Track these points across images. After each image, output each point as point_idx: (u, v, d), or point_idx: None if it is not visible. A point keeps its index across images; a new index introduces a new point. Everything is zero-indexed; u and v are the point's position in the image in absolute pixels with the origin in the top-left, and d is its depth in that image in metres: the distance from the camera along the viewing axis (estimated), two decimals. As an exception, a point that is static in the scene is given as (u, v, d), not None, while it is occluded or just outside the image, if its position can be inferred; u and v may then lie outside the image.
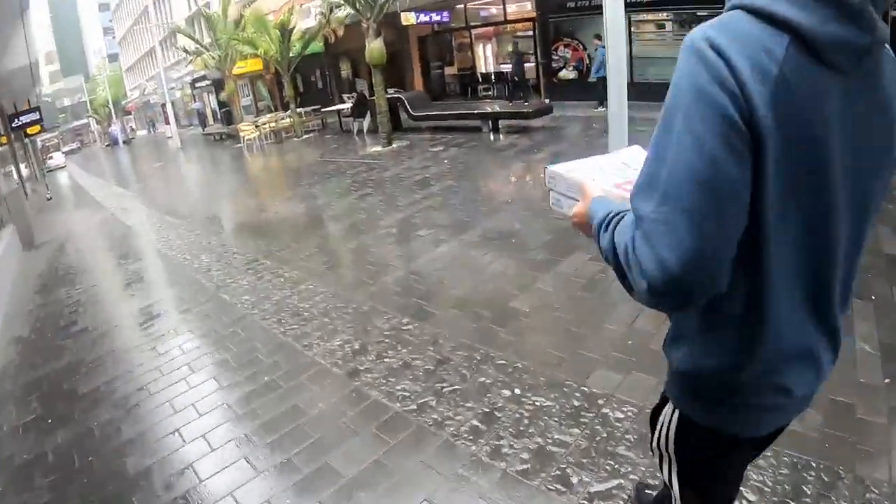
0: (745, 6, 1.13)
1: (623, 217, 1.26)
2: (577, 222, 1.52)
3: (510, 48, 21.28)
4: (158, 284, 7.72)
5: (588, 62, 18.68)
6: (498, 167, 11.54)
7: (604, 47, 16.38)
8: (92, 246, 11.44)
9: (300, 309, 5.67)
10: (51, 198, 22.87)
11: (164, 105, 37.16)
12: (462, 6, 22.58)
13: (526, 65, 21.56)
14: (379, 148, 15.29)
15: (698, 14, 16.27)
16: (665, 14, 16.96)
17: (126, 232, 11.53)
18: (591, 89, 17.53)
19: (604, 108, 16.88)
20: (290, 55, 22.96)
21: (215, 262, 7.84)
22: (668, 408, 1.58)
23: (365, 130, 19.00)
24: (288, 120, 23.58)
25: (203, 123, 39.02)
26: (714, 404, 1.42)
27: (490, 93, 22.83)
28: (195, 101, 45.10)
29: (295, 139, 22.48)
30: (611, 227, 1.28)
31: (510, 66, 20.92)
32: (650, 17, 17.09)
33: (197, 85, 44.10)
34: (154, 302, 6.87)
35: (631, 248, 1.14)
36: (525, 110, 14.86)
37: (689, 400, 1.49)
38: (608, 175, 1.56)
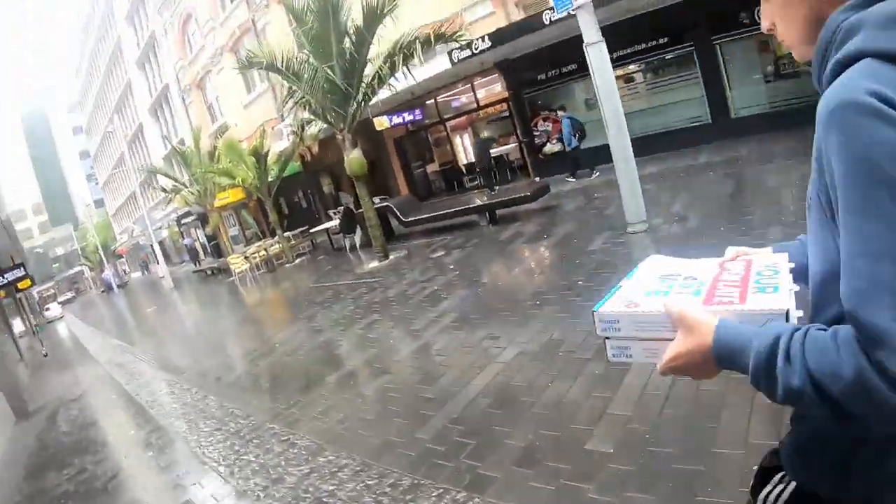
0: (878, 52, 0.98)
1: (805, 336, 0.99)
2: (680, 365, 1.19)
3: (473, 139, 21.06)
4: (153, 468, 6.48)
5: (583, 129, 18.12)
6: (509, 263, 10.55)
7: (568, 118, 16.73)
8: (84, 414, 10.35)
9: (324, 493, 4.55)
10: (46, 354, 22.19)
11: (153, 246, 36.68)
12: (432, 101, 22.29)
13: (505, 147, 21.76)
14: (376, 263, 14.30)
15: (666, 58, 16.34)
16: (634, 66, 16.82)
17: (119, 394, 10.51)
18: (583, 156, 17.16)
19: (597, 174, 16.81)
20: (269, 179, 22.44)
21: (215, 431, 6.72)
22: (780, 481, 1.37)
23: (358, 245, 18.20)
24: (277, 246, 22.83)
25: (195, 259, 38.58)
26: (850, 477, 1.15)
27: (476, 182, 22.25)
28: (184, 237, 44.89)
29: (287, 265, 21.62)
30: (794, 356, 0.97)
31: (476, 157, 20.44)
32: (619, 72, 16.66)
33: (183, 221, 44.19)
34: (148, 494, 5.82)
35: (874, 376, 0.88)
36: (522, 195, 14.03)
37: (814, 472, 1.25)
38: (669, 296, 1.30)
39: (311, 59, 13.06)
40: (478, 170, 20.75)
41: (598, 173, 16.37)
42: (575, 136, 16.55)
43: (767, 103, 15.24)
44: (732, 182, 11.41)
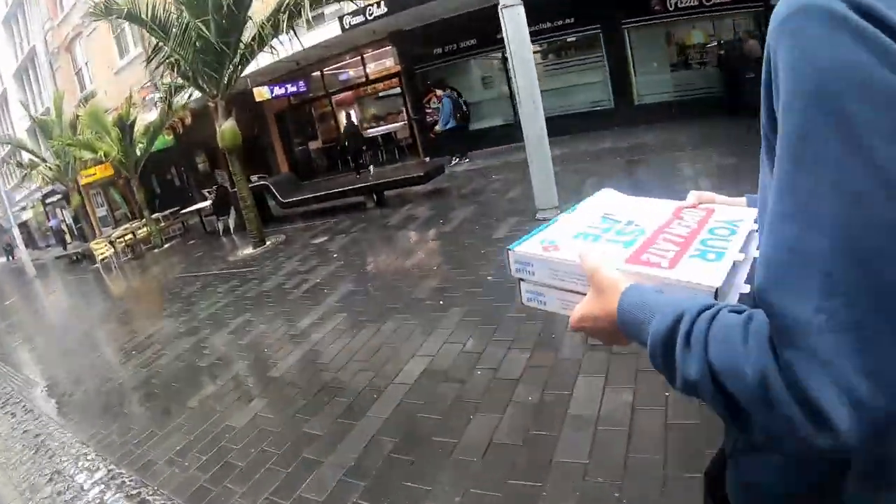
0: None
1: (714, 318, 0.78)
2: (588, 328, 1.01)
3: (344, 121, 20.38)
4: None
5: (466, 109, 17.58)
6: (403, 252, 9.28)
7: (448, 97, 16.43)
8: None
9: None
10: None
11: (13, 229, 33.16)
12: (318, 73, 20.93)
13: (394, 125, 21.31)
14: (251, 250, 12.65)
15: (570, 40, 16.30)
16: (536, 46, 16.35)
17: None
18: (476, 138, 17.12)
19: (457, 160, 16.72)
20: (138, 154, 20.20)
21: (43, 481, 5.08)
22: None
23: (232, 229, 16.48)
24: (145, 229, 20.58)
25: (63, 242, 35.33)
26: None
27: (362, 161, 21.02)
28: (49, 218, 41.08)
29: (156, 250, 19.35)
30: (695, 341, 0.77)
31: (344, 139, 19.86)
32: None
33: (48, 201, 40.38)
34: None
35: (779, 381, 0.68)
36: (415, 175, 12.96)
37: None
38: (600, 244, 1.13)
39: (184, 13, 11.25)
40: (345, 152, 20.18)
41: (457, 160, 16.50)
42: (455, 116, 16.33)
43: (671, 92, 15.41)
44: (645, 169, 10.91)
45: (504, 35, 7.97)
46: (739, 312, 0.78)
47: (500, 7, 7.79)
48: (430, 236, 9.84)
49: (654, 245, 1.09)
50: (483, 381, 4.44)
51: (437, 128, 17.13)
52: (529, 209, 8.92)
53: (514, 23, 7.78)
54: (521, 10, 7.77)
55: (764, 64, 0.79)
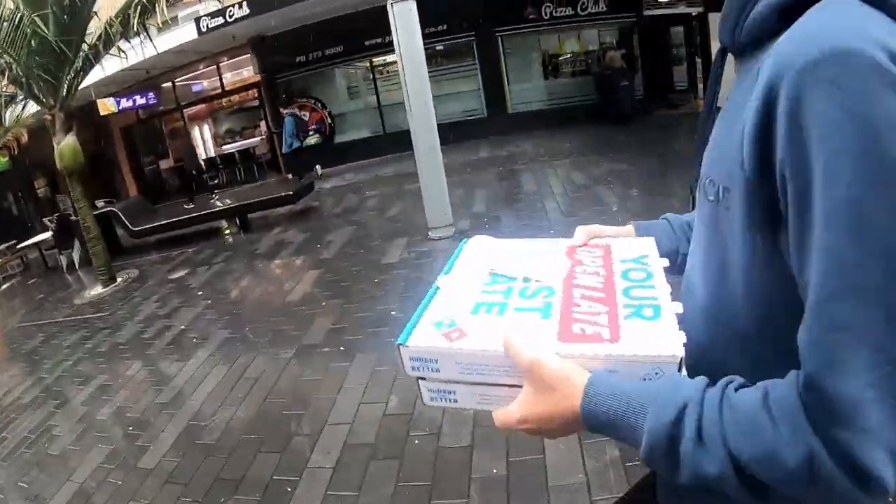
0: None
1: (722, 404, 0.73)
2: (534, 429, 0.88)
3: (179, 139, 19.81)
4: None
5: (331, 121, 17.11)
6: (281, 286, 7.94)
7: (290, 116, 15.46)
8: None
9: None
10: None
11: None
12: (170, 83, 19.26)
13: (251, 140, 20.40)
14: (99, 289, 10.67)
15: (439, 48, 15.99)
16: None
17: None
18: (342, 151, 17.01)
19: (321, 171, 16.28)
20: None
21: None
22: None
23: (77, 264, 14.17)
24: None
25: None
26: None
27: (217, 181, 19.72)
28: None
29: None
30: (711, 436, 0.71)
31: (188, 159, 19.46)
32: (391, 58, 15.67)
33: None
34: None
35: (827, 459, 0.65)
36: (283, 194, 11.84)
37: None
38: (508, 316, 0.95)
39: (20, 5, 9.19)
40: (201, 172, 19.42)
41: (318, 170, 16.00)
42: (299, 136, 15.64)
43: (545, 100, 15.77)
44: (532, 177, 10.51)
45: (394, 34, 7.24)
46: (744, 387, 0.74)
47: (389, 3, 7.02)
48: (309, 265, 8.64)
49: (576, 308, 0.95)
50: (426, 454, 3.56)
51: (284, 149, 16.13)
52: (417, 228, 8.25)
53: (404, 20, 7.08)
54: (413, 5, 7.03)
55: (755, 112, 0.70)
